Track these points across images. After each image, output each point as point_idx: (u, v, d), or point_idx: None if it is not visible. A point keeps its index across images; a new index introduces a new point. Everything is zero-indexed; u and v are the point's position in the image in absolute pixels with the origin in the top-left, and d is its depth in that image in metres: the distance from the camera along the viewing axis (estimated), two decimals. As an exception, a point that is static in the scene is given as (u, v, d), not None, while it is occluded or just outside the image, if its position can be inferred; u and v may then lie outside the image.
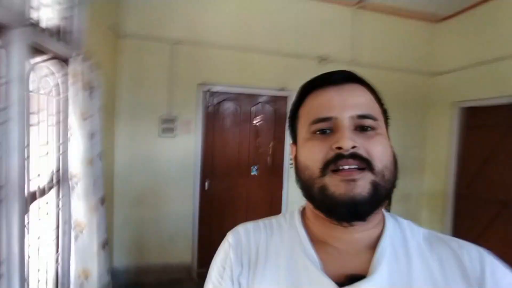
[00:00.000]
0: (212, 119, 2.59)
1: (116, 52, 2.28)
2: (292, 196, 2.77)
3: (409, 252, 0.41)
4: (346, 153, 0.38)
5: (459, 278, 0.39)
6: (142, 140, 2.41)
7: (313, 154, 0.41)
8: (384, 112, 0.46)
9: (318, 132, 0.42)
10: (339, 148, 0.38)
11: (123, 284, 2.25)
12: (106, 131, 2.02)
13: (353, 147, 0.38)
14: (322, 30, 2.72)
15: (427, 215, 3.06)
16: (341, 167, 0.38)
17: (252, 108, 2.68)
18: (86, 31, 1.67)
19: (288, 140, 2.73)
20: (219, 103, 2.61)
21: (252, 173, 2.70)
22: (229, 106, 2.64)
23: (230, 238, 0.49)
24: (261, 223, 0.51)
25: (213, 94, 2.57)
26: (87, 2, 1.67)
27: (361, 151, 0.39)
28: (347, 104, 0.41)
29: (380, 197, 0.40)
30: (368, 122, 0.41)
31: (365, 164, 0.39)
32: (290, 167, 2.75)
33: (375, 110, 0.43)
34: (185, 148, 2.50)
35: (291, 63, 2.65)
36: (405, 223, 0.46)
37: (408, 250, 0.42)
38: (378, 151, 0.40)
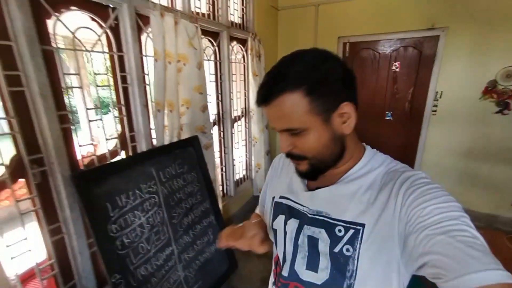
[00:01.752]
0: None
1: (276, 22, 3.09)
2: (431, 143, 2.67)
3: (364, 180, 0.53)
4: (285, 153, 0.55)
5: (385, 198, 0.49)
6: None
7: None
8: (328, 93, 0.48)
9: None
10: None
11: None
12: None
13: (288, 150, 0.53)
14: None
15: None
16: (289, 157, 0.56)
17: (391, 54, 2.68)
18: (256, 16, 2.55)
19: (433, 85, 2.54)
20: (357, 52, 2.84)
21: (387, 118, 2.84)
22: (367, 54, 2.80)
23: (275, 159, 0.76)
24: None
25: (352, 44, 2.83)
26: (257, -5, 2.51)
27: (294, 150, 0.53)
28: (273, 120, 0.51)
29: (321, 168, 0.54)
30: (291, 131, 0.50)
31: (299, 157, 0.53)
32: (433, 114, 2.60)
33: (296, 117, 0.48)
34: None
35: (444, -6, 2.28)
36: (381, 159, 0.56)
37: (365, 178, 0.53)
38: (305, 147, 0.51)
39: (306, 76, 0.47)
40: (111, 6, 1.29)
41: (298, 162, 0.55)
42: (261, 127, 2.65)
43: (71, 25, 1.15)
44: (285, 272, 0.59)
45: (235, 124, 2.56)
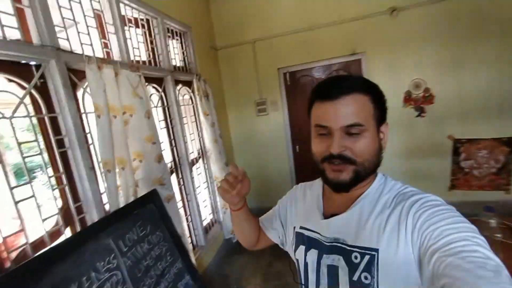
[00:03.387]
0: (293, 95, 3.12)
1: (218, 61, 3.20)
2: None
3: (376, 204, 0.55)
4: (335, 154, 0.52)
5: (396, 222, 0.50)
6: (245, 121, 3.29)
7: (317, 149, 0.56)
8: (381, 109, 0.55)
9: (320, 133, 0.55)
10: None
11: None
12: (222, 119, 3.01)
13: (341, 151, 0.52)
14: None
15: None
16: (333, 160, 0.54)
17: (327, 77, 2.99)
18: (197, 57, 2.59)
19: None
20: (297, 80, 3.09)
21: (335, 134, 3.08)
22: (306, 81, 3.07)
23: (293, 188, 0.78)
24: (309, 183, 0.75)
25: (291, 74, 3.08)
26: (197, 37, 2.57)
27: (346, 153, 0.52)
28: (338, 116, 0.51)
29: (360, 178, 0.54)
30: (354, 129, 0.51)
31: (349, 160, 0.53)
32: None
33: (363, 116, 0.51)
34: (276, 122, 3.20)
35: (358, 26, 2.71)
36: (391, 184, 0.58)
37: (376, 202, 0.55)
38: (360, 150, 0.52)
39: (373, 87, 0.55)
40: (34, 63, 1.13)
41: (344, 168, 0.54)
42: (221, 165, 2.56)
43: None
44: None
45: (193, 168, 2.42)
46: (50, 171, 1.18)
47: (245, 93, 3.22)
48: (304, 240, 0.64)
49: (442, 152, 2.80)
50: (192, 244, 2.24)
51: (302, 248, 0.64)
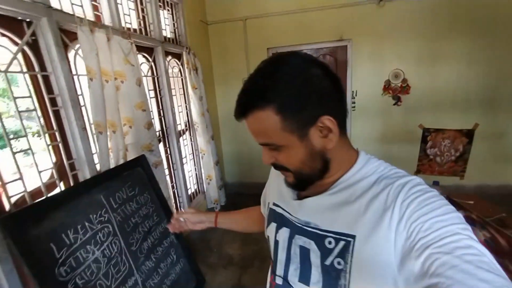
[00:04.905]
0: (281, 75, 3.19)
1: (208, 36, 3.18)
2: (356, 134, 3.17)
3: (355, 188, 0.50)
4: (271, 165, 0.53)
5: (380, 209, 0.45)
6: (233, 97, 3.31)
7: None
8: (300, 111, 0.45)
9: None
10: None
11: (231, 192, 3.50)
12: (210, 94, 3.06)
13: (271, 162, 0.52)
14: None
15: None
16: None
17: (314, 61, 3.08)
18: (188, 30, 2.59)
19: (349, 85, 3.04)
20: (285, 61, 3.15)
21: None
22: (294, 62, 3.14)
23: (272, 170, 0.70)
24: None
25: (280, 54, 3.14)
26: (188, 10, 2.55)
27: (278, 162, 0.52)
28: (253, 134, 0.50)
29: (308, 179, 0.52)
30: (270, 146, 0.49)
31: (284, 168, 0.52)
32: (353, 110, 3.10)
33: (270, 133, 0.47)
34: (263, 101, 3.29)
35: (347, 13, 2.78)
36: (374, 166, 0.52)
37: (356, 186, 0.50)
38: (286, 162, 0.50)
39: (278, 91, 0.44)
40: (27, 20, 1.15)
41: (285, 174, 0.54)
42: (207, 138, 2.66)
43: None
44: (279, 281, 0.59)
45: (180, 139, 2.50)
46: (45, 129, 1.23)
47: (233, 69, 3.26)
48: (276, 217, 0.62)
49: (413, 140, 3.06)
50: (177, 210, 2.38)
51: (273, 225, 0.62)
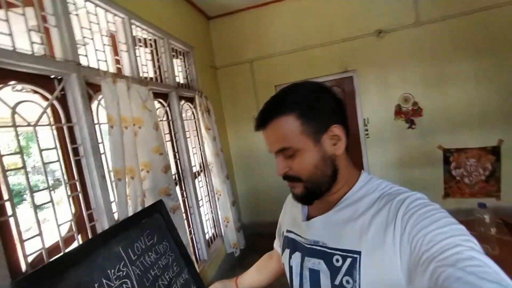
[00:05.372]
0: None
1: (217, 79, 3.34)
2: (372, 161, 3.06)
3: (359, 205, 0.53)
4: (282, 176, 0.56)
5: (382, 225, 0.47)
6: (244, 136, 3.38)
7: None
8: (317, 118, 0.52)
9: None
10: None
11: (249, 233, 3.31)
12: (221, 135, 3.09)
13: (284, 172, 0.55)
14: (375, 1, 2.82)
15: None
16: (285, 180, 0.57)
17: (321, 93, 3.15)
18: (199, 76, 2.72)
19: (360, 113, 3.04)
20: (293, 96, 3.23)
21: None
22: (301, 96, 3.22)
23: (285, 202, 0.77)
24: None
25: (287, 90, 3.23)
26: (198, 57, 2.72)
27: (290, 172, 0.54)
28: (269, 143, 0.55)
29: (316, 191, 0.54)
30: (286, 152, 0.53)
31: (295, 178, 0.54)
32: (367, 137, 3.05)
33: (289, 138, 0.52)
34: (274, 136, 3.29)
35: (349, 46, 2.92)
36: (376, 184, 0.55)
37: (360, 203, 0.53)
38: (299, 168, 0.53)
39: (299, 102, 0.53)
40: (58, 77, 1.21)
41: (294, 185, 0.56)
42: (222, 178, 2.60)
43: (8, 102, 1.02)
44: None
45: (196, 181, 2.45)
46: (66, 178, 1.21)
47: (243, 108, 3.34)
48: (289, 243, 0.64)
49: (434, 161, 2.93)
50: (195, 257, 2.22)
51: (287, 251, 0.63)
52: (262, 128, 0.54)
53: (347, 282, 0.48)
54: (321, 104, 0.53)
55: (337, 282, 0.50)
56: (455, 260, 0.36)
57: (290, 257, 0.62)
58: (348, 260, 0.49)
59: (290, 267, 0.61)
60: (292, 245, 0.62)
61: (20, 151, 0.99)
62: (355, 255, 0.48)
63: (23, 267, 0.98)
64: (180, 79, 2.44)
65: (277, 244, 0.84)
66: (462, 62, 2.70)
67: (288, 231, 0.66)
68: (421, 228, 0.42)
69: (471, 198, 2.83)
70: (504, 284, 0.33)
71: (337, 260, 0.50)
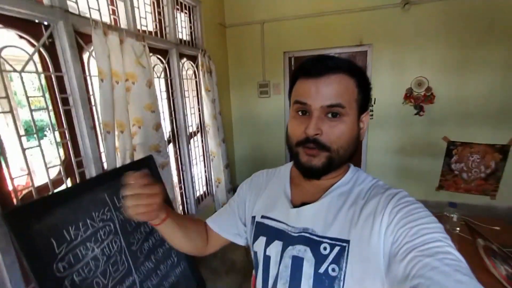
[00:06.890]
0: (297, 80, 3.13)
1: (225, 39, 3.20)
2: (372, 144, 3.02)
3: (349, 194, 0.54)
4: (310, 137, 0.51)
5: (371, 215, 0.49)
6: (247, 101, 3.35)
7: (293, 131, 0.54)
8: (365, 96, 0.53)
9: (299, 112, 0.53)
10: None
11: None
12: (224, 97, 3.07)
13: (316, 134, 0.50)
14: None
15: None
16: (307, 145, 0.52)
17: (331, 66, 2.98)
18: (205, 33, 2.61)
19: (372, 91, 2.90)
20: (302, 65, 3.09)
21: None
22: (310, 67, 3.07)
23: (252, 177, 0.73)
24: (272, 169, 0.72)
25: (296, 59, 3.08)
26: (206, 12, 2.58)
27: (321, 138, 0.50)
28: (320, 94, 0.49)
29: (333, 166, 0.53)
30: (335, 109, 0.50)
31: (324, 146, 0.51)
32: (370, 119, 2.96)
33: (346, 98, 0.50)
34: (277, 105, 3.25)
35: (367, 17, 2.67)
36: (363, 176, 0.57)
37: (350, 192, 0.54)
38: (337, 135, 0.50)
39: (361, 72, 0.54)
40: (44, 23, 1.20)
41: (317, 153, 0.51)
42: (218, 141, 2.66)
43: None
44: None
45: (191, 141, 2.52)
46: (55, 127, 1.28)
47: (249, 73, 3.25)
48: (266, 231, 0.60)
49: (436, 153, 2.85)
50: (184, 211, 2.39)
51: (262, 239, 0.60)
52: (321, 74, 0.50)
53: (333, 270, 0.49)
54: (369, 87, 0.55)
55: (321, 270, 0.50)
56: (434, 252, 0.39)
57: (266, 246, 0.59)
58: (336, 249, 0.49)
59: (267, 256, 0.58)
60: (271, 233, 0.59)
61: (7, 96, 1.04)
62: (344, 244, 0.49)
63: (15, 202, 1.10)
64: (183, 35, 2.36)
65: (216, 225, 0.73)
66: (494, 48, 2.45)
67: (264, 217, 0.62)
68: (407, 221, 0.45)
69: (465, 193, 2.81)
70: (474, 278, 0.37)
71: (325, 248, 0.51)
